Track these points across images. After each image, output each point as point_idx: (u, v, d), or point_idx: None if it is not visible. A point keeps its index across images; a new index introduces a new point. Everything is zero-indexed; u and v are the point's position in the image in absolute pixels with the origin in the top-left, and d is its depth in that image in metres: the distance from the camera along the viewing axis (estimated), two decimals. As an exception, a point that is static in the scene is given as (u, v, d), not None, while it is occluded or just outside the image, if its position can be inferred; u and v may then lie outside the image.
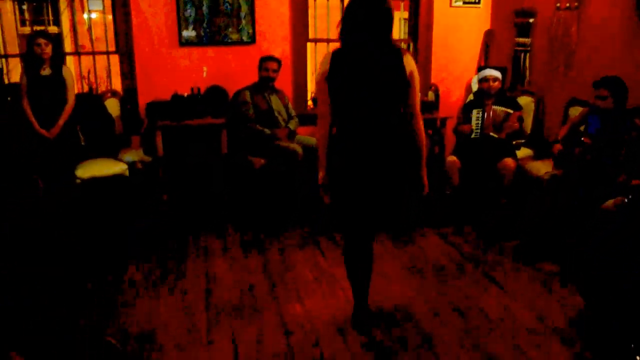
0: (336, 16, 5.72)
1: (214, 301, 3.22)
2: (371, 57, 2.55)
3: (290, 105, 5.11)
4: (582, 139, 3.93)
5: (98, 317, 3.02)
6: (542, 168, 4.27)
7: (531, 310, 3.12)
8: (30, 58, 4.27)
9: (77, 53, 5.66)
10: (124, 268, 3.60)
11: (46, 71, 4.28)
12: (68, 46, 6.55)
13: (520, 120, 4.52)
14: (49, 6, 6.40)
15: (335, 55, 2.61)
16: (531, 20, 5.28)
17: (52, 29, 6.31)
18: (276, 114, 4.89)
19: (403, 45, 6.09)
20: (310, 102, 5.76)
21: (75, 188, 4.18)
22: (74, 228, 4.00)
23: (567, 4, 4.81)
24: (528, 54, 5.38)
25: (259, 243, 4.10)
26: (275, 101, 4.93)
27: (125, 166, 4.45)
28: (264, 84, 4.86)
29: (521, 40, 5.40)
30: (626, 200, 3.33)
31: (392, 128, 2.62)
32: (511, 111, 4.49)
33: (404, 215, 2.86)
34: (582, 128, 4.13)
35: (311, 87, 5.93)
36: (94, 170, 4.32)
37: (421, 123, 2.68)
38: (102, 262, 3.69)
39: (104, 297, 3.25)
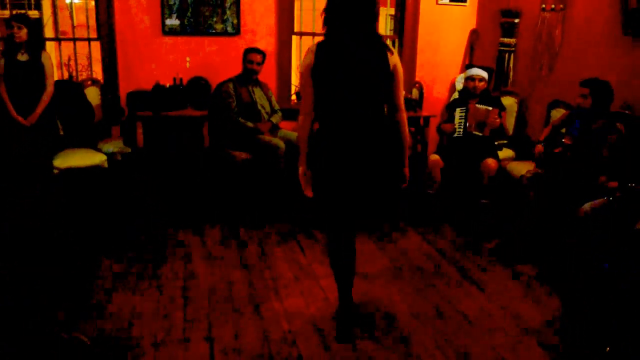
0: (321, 9, 5.69)
1: (191, 298, 3.18)
2: (356, 50, 2.52)
3: (273, 99, 5.06)
4: (563, 140, 3.97)
5: (69, 313, 2.96)
6: (524, 169, 4.29)
7: (509, 312, 3.13)
8: (8, 42, 4.16)
9: (58, 39, 5.54)
10: (97, 263, 3.54)
11: (24, 56, 4.17)
12: (49, 32, 6.41)
13: (501, 115, 4.53)
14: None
15: (320, 47, 2.56)
16: (516, 20, 5.30)
17: (33, 13, 6.15)
18: (259, 107, 4.85)
19: (388, 42, 6.08)
20: (294, 96, 5.72)
21: (53, 178, 4.10)
22: (49, 220, 3.93)
23: (553, 5, 4.83)
24: (512, 55, 5.40)
25: (239, 239, 4.06)
26: (258, 94, 4.88)
27: (104, 157, 4.37)
28: (248, 77, 4.81)
29: (506, 40, 5.42)
30: (605, 201, 3.36)
31: (376, 122, 2.61)
32: (490, 108, 4.49)
33: (386, 209, 2.86)
34: (563, 130, 4.16)
35: (295, 81, 5.89)
36: (72, 160, 4.23)
37: (405, 117, 2.68)
38: (76, 256, 3.63)
39: (76, 293, 3.19)
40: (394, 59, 2.58)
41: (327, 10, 2.57)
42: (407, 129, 2.71)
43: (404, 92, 2.70)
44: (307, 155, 2.71)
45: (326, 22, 2.58)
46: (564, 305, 3.19)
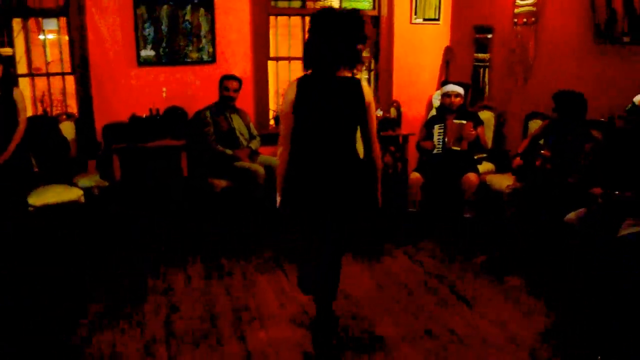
0: (297, 33, 5.72)
1: (175, 332, 3.08)
2: (334, 87, 2.68)
3: (252, 125, 5.04)
4: (542, 151, 3.98)
5: (47, 356, 2.86)
6: (504, 182, 4.29)
7: (499, 326, 3.09)
8: None
9: (31, 74, 5.48)
10: (76, 302, 3.43)
11: (-5, 93, 4.11)
12: (22, 68, 6.35)
13: (476, 128, 4.53)
14: (3, 27, 6.21)
15: (301, 83, 2.70)
16: (489, 36, 5.36)
17: (6, 50, 6.09)
18: (238, 133, 4.82)
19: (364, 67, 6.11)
20: (272, 121, 5.69)
21: (28, 216, 3.99)
22: (25, 259, 3.83)
23: (524, 20, 4.90)
24: (487, 70, 5.45)
25: (222, 268, 3.98)
26: (236, 121, 4.86)
27: (80, 192, 4.27)
28: (225, 104, 4.79)
29: (480, 55, 5.48)
30: (592, 207, 3.36)
31: (349, 153, 2.76)
32: (464, 122, 4.50)
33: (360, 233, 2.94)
34: (541, 142, 4.17)
35: (273, 106, 5.88)
36: (47, 197, 4.13)
37: (377, 148, 2.84)
38: (53, 296, 3.52)
39: (54, 334, 3.07)
40: (368, 95, 2.73)
41: (304, 55, 2.73)
42: (380, 160, 2.87)
43: (375, 125, 2.83)
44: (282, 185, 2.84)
45: (305, 65, 2.74)
46: (556, 315, 3.16)
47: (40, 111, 5.23)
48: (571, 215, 3.43)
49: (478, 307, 3.34)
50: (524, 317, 3.21)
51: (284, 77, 5.86)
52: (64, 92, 5.25)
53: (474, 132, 4.48)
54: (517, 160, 4.16)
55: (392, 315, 3.26)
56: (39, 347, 2.92)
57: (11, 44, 5.88)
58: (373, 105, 2.77)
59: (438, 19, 5.92)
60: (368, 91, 2.75)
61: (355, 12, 2.72)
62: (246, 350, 2.90)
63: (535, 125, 4.57)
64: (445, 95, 4.64)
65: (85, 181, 4.41)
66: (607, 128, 3.98)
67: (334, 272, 2.86)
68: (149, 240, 4.48)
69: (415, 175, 4.54)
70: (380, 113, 5.62)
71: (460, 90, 4.64)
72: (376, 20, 5.86)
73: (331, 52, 2.62)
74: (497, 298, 3.46)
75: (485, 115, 5.08)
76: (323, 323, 2.89)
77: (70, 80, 5.20)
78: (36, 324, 3.16)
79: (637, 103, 3.25)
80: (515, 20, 5.00)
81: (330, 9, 2.74)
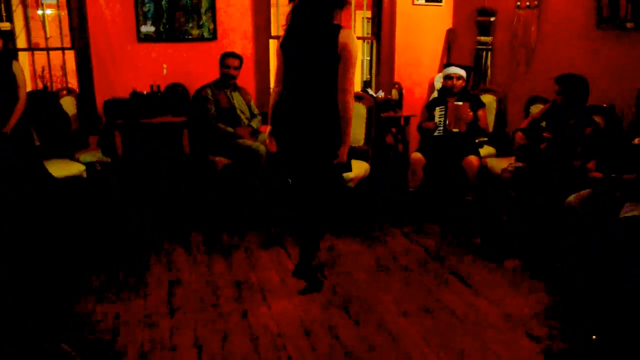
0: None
1: (177, 305, 3.12)
2: (313, 31, 2.76)
3: (252, 103, 5.03)
4: (544, 134, 3.98)
5: (53, 323, 2.89)
6: (505, 165, 4.30)
7: (497, 306, 3.13)
8: None
9: (30, 49, 5.45)
10: (81, 273, 3.46)
11: (-6, 67, 4.09)
12: (22, 43, 6.31)
13: (474, 110, 4.53)
14: (1, 1, 6.15)
15: (289, 27, 2.85)
16: (492, 19, 5.35)
17: (4, 25, 6.04)
18: (239, 112, 4.81)
19: (366, 43, 6.10)
20: (273, 100, 5.67)
21: (55, 184, 4.00)
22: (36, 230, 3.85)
23: (527, 3, 4.89)
24: (489, 53, 5.45)
25: (223, 245, 4.01)
26: (237, 99, 4.85)
27: (82, 167, 4.28)
28: (226, 82, 4.77)
29: (482, 39, 5.47)
30: (590, 192, 3.39)
31: (318, 101, 2.82)
32: (461, 103, 4.50)
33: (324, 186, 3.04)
34: (543, 124, 4.19)
35: (274, 84, 5.86)
36: (51, 171, 4.13)
37: (348, 97, 2.80)
38: (59, 267, 3.55)
39: (59, 303, 3.11)
40: (344, 38, 2.72)
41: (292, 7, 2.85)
42: (349, 110, 2.83)
43: (352, 73, 2.79)
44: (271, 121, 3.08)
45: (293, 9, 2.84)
46: (553, 296, 3.21)
47: (40, 86, 5.20)
48: (572, 198, 3.46)
49: (476, 287, 3.38)
50: (522, 297, 3.25)
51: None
52: (64, 68, 5.23)
53: (470, 113, 4.47)
54: (520, 136, 4.15)
55: (391, 294, 3.30)
56: (44, 316, 2.95)
57: (10, 19, 5.83)
58: (350, 51, 2.72)
59: (441, 1, 5.89)
60: (345, 37, 2.71)
61: None
62: (248, 322, 2.93)
63: (536, 109, 4.57)
64: (447, 77, 4.64)
65: (87, 156, 4.42)
66: (608, 113, 4.00)
67: (310, 217, 3.01)
68: (151, 216, 4.51)
69: (417, 155, 4.55)
70: (382, 94, 5.62)
71: (462, 72, 4.64)
72: (378, 0, 5.83)
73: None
74: (496, 279, 3.50)
75: (487, 99, 5.08)
76: (299, 268, 3.15)
77: (69, 56, 5.17)
78: (41, 293, 3.19)
79: None
80: (518, 3, 4.99)
81: None
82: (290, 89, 2.90)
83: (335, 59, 2.73)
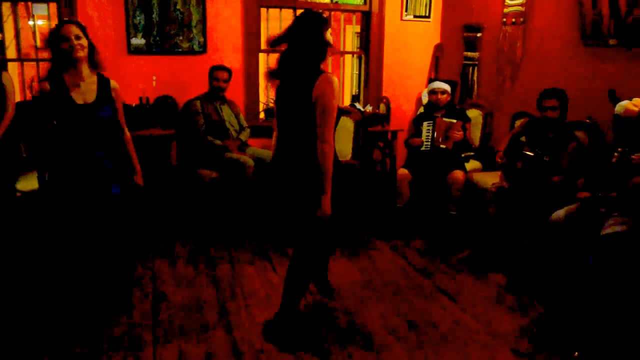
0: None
1: (161, 320, 3.11)
2: (293, 78, 2.71)
3: (241, 116, 5.04)
4: (523, 150, 4.02)
5: (36, 337, 2.87)
6: (491, 180, 4.35)
7: (481, 322, 3.15)
8: None
9: (20, 60, 5.44)
10: (63, 288, 3.44)
11: (-17, 78, 4.08)
12: (12, 54, 6.29)
13: (464, 128, 4.59)
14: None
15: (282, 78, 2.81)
16: (479, 34, 5.41)
17: (-6, 35, 6.03)
18: (227, 124, 4.82)
19: (355, 57, 6.14)
20: (262, 114, 5.70)
21: (15, 202, 3.98)
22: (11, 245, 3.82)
23: (513, 19, 4.96)
24: (476, 68, 5.51)
25: (209, 258, 4.01)
26: (226, 111, 4.86)
27: (69, 179, 4.26)
28: (215, 94, 4.79)
29: (469, 54, 5.53)
30: (575, 205, 3.42)
31: (298, 149, 2.73)
32: (454, 121, 4.55)
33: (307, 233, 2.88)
34: (523, 138, 4.23)
35: (263, 98, 5.89)
36: (35, 183, 4.11)
37: (325, 147, 2.61)
38: (41, 282, 3.52)
39: (42, 317, 3.09)
40: (320, 89, 2.58)
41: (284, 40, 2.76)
42: (326, 160, 2.62)
43: (329, 121, 2.62)
44: None
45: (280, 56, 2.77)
46: (538, 312, 3.23)
47: (28, 97, 5.19)
48: (557, 214, 3.48)
49: (461, 302, 3.40)
50: (507, 313, 3.27)
51: (274, 70, 5.85)
52: (53, 79, 5.20)
53: (461, 133, 4.52)
54: (499, 158, 4.20)
55: (377, 309, 3.31)
56: (26, 327, 2.93)
57: (0, 29, 5.82)
58: (325, 100, 2.57)
59: (429, 16, 5.96)
60: (322, 82, 2.58)
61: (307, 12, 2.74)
62: (232, 338, 2.93)
63: (521, 124, 4.64)
64: (432, 92, 4.70)
65: (74, 168, 4.39)
66: (591, 129, 4.05)
67: (291, 274, 2.91)
68: (137, 228, 4.48)
69: (403, 172, 4.59)
70: (369, 108, 5.66)
71: (446, 87, 4.69)
72: (367, 15, 5.89)
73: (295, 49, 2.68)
74: (481, 294, 3.52)
75: (473, 114, 5.14)
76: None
77: (59, 67, 5.16)
78: (22, 308, 3.17)
79: (617, 113, 3.30)
80: (504, 19, 5.06)
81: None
82: (278, 135, 2.89)
83: (311, 106, 2.61)
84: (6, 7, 5.50)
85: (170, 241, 4.28)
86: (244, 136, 4.90)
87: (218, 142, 4.67)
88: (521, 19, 4.88)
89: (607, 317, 2.91)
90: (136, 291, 3.45)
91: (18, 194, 4.00)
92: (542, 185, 3.83)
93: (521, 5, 4.86)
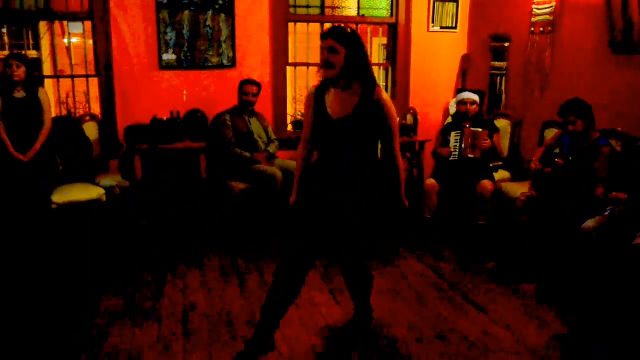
0: (315, 41, 5.77)
1: (191, 329, 3.16)
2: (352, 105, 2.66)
3: (270, 129, 5.11)
4: (556, 160, 3.96)
5: (67, 348, 2.94)
6: (520, 190, 4.31)
7: (511, 333, 3.12)
8: (4, 80, 4.23)
9: (56, 76, 5.62)
10: (96, 298, 3.52)
11: (20, 94, 4.24)
12: (48, 70, 6.51)
13: (492, 137, 4.56)
14: (29, 30, 6.39)
15: (318, 91, 2.75)
16: (506, 44, 5.38)
17: (32, 53, 6.26)
18: (256, 137, 4.90)
19: (382, 69, 6.17)
20: (290, 126, 5.77)
21: (51, 213, 4.11)
22: (47, 256, 3.94)
23: (541, 29, 4.92)
24: (504, 78, 5.47)
25: (238, 269, 4.06)
26: (255, 124, 4.94)
27: (102, 191, 4.38)
28: (244, 108, 4.87)
29: (497, 64, 5.50)
30: (606, 213, 3.36)
31: (362, 165, 2.69)
32: (480, 130, 4.53)
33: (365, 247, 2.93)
34: (557, 150, 4.18)
35: (291, 110, 5.96)
36: (70, 195, 4.24)
37: (400, 157, 2.79)
38: (74, 292, 3.62)
39: (74, 328, 3.16)
40: (385, 103, 2.65)
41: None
42: (402, 169, 2.80)
43: (398, 136, 2.77)
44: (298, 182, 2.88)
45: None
46: (568, 323, 3.18)
47: (64, 112, 5.35)
48: (588, 224, 3.43)
49: (491, 313, 3.36)
50: (537, 324, 3.23)
51: (301, 83, 5.94)
52: (87, 94, 5.38)
53: (488, 142, 4.50)
54: (533, 166, 4.14)
55: (405, 319, 3.30)
56: (58, 340, 3.01)
57: (37, 47, 6.03)
58: (393, 112, 2.71)
59: (455, 27, 5.96)
60: (384, 99, 2.68)
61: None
62: (261, 348, 2.95)
63: (551, 134, 4.57)
64: (461, 102, 4.69)
65: (107, 180, 4.51)
66: (625, 137, 3.97)
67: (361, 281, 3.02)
68: (167, 239, 4.58)
69: (431, 182, 4.58)
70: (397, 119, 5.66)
71: (475, 97, 4.68)
72: (394, 28, 5.92)
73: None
74: (511, 305, 3.48)
75: (502, 124, 5.10)
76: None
77: (93, 83, 5.32)
78: (55, 317, 3.26)
79: None
80: (532, 29, 5.03)
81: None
82: (321, 149, 2.83)
83: (372, 119, 2.69)
84: (43, 25, 5.71)
85: (200, 253, 4.34)
86: (272, 148, 4.96)
87: (247, 154, 4.74)
88: (549, 28, 4.84)
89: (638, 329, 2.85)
90: (166, 302, 3.50)
91: (54, 205, 4.13)
92: (574, 192, 3.77)
93: (549, 14, 4.82)
